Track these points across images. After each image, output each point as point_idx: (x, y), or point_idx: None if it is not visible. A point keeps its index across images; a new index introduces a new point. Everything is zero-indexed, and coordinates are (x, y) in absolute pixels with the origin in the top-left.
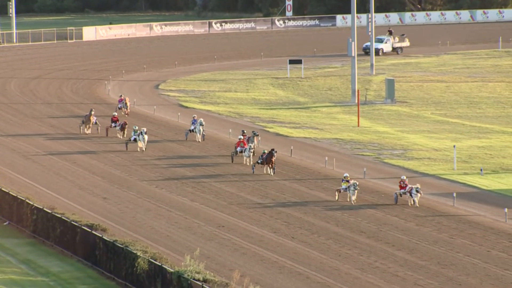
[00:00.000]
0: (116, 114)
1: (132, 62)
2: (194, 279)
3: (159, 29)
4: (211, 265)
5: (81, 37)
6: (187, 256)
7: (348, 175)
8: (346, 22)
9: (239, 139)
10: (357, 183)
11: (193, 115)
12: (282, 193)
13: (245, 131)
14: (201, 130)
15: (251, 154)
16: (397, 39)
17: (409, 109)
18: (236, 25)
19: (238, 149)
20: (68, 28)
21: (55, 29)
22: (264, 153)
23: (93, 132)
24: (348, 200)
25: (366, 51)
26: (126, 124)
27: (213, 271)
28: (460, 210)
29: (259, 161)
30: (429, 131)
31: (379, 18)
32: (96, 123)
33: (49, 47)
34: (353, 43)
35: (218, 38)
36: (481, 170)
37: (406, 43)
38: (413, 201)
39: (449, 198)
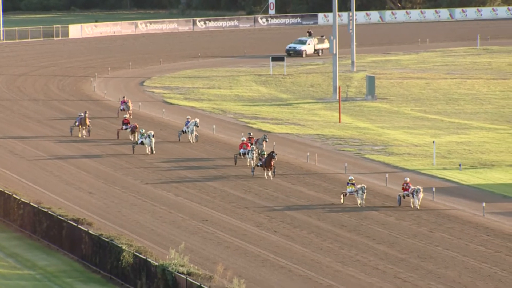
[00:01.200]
0: (127, 116)
1: (118, 59)
2: (178, 272)
3: (144, 27)
4: (195, 258)
5: (67, 35)
6: (171, 249)
7: (353, 178)
8: (328, 20)
9: (242, 140)
10: (365, 186)
11: (187, 116)
12: (264, 188)
13: (251, 134)
14: (194, 130)
15: (254, 156)
16: (316, 40)
17: (389, 106)
18: (219, 23)
19: (241, 151)
20: (54, 26)
21: (41, 26)
22: (263, 155)
23: (84, 135)
24: (359, 204)
25: (289, 53)
26: (137, 127)
27: (197, 264)
28: (439, 205)
29: (259, 164)
30: (409, 127)
31: (360, 17)
32: (89, 125)
33: (36, 44)
34: (334, 40)
35: (202, 36)
36: (459, 165)
37: (326, 44)
38: (416, 202)
39: (428, 193)
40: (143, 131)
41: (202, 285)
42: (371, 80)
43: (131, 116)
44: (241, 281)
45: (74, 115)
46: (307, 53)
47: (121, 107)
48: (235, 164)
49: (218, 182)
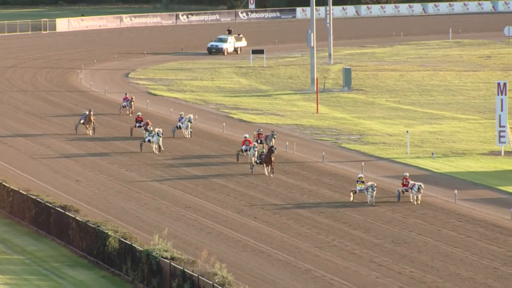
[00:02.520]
0: (140, 114)
1: (103, 52)
2: (162, 257)
3: (128, 20)
4: (178, 243)
5: (54, 28)
6: (155, 235)
7: (362, 176)
8: (306, 14)
9: (245, 137)
10: (375, 185)
11: (180, 113)
12: (245, 175)
13: (261, 130)
14: (189, 126)
15: (256, 153)
16: (234, 38)
17: (365, 97)
18: (201, 17)
19: (243, 147)
20: (42, 19)
21: (29, 20)
22: (262, 152)
23: (84, 132)
24: (368, 202)
25: (211, 51)
26: (149, 124)
27: (180, 249)
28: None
29: (258, 161)
30: (384, 117)
31: (337, 11)
32: (94, 123)
33: (24, 37)
34: (312, 34)
35: (185, 30)
36: (432, 154)
37: (244, 42)
38: (416, 197)
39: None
40: (151, 128)
41: (185, 269)
42: (347, 72)
43: (131, 114)
44: (222, 265)
45: (61, 105)
46: (228, 51)
47: (124, 103)
48: (237, 160)
49: (201, 170)
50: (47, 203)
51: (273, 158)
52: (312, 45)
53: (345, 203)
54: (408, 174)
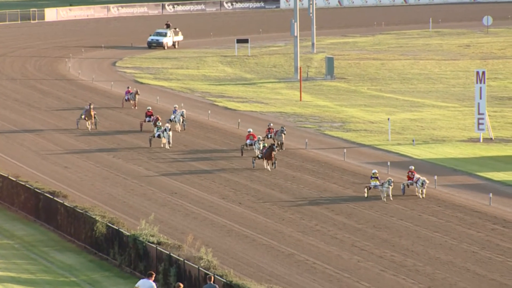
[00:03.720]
0: (150, 108)
1: (91, 41)
2: (149, 241)
3: (116, 10)
4: (165, 228)
5: (43, 18)
6: (142, 220)
7: (376, 171)
8: (289, 4)
9: (248, 131)
10: (392, 180)
11: (175, 105)
12: (230, 162)
13: (271, 124)
14: (181, 120)
15: (261, 146)
16: (173, 32)
17: (347, 85)
18: (187, 7)
19: (248, 141)
20: (31, 9)
21: (18, 10)
22: (264, 146)
23: (83, 127)
24: (382, 198)
25: (152, 45)
26: (159, 119)
27: (167, 234)
28: (394, 178)
29: (260, 156)
30: (366, 105)
31: (320, 1)
32: (95, 117)
33: (13, 27)
34: (295, 24)
35: (171, 19)
36: (413, 141)
37: (180, 37)
38: (421, 191)
39: (383, 167)
40: (160, 124)
41: (172, 254)
42: (330, 61)
43: (135, 108)
44: (208, 250)
45: (49, 93)
46: (168, 45)
47: (126, 97)
48: (242, 155)
49: (187, 157)
50: (36, 189)
51: (274, 153)
52: (295, 34)
53: (327, 189)
54: (413, 168)
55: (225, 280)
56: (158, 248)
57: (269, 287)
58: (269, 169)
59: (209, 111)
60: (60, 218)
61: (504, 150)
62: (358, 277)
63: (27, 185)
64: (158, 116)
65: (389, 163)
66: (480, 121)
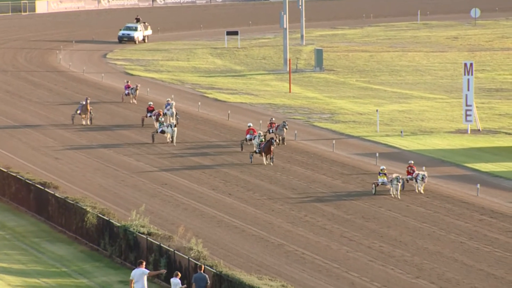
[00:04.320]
0: (151, 103)
1: (82, 33)
2: (139, 232)
3: (106, 2)
4: (155, 219)
5: (34, 10)
6: (132, 211)
7: (384, 168)
8: None
9: (249, 126)
10: (400, 176)
11: (167, 99)
12: (220, 154)
13: (273, 119)
14: (175, 113)
15: (259, 141)
16: (143, 27)
17: (336, 77)
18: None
19: (248, 136)
20: (22, 1)
21: (9, 2)
22: (262, 141)
23: (78, 123)
24: (392, 194)
25: (123, 39)
26: (161, 114)
27: (157, 225)
28: (389, 171)
29: (257, 151)
30: (354, 96)
31: None
32: (91, 112)
33: (4, 19)
34: (285, 16)
35: (161, 11)
36: (401, 132)
37: (149, 31)
38: (421, 185)
39: (372, 158)
40: (162, 119)
41: (162, 245)
42: (319, 53)
43: (135, 102)
44: (198, 240)
45: (40, 85)
46: (139, 40)
47: (126, 91)
48: (242, 150)
49: (177, 148)
50: (27, 180)
51: (272, 148)
52: (284, 26)
53: (316, 180)
54: (412, 162)
55: (215, 271)
56: (148, 238)
57: (259, 277)
58: (268, 164)
59: (199, 103)
60: (51, 209)
61: (492, 141)
62: (347, 267)
63: (18, 176)
64: (160, 111)
65: (377, 154)
66: (468, 112)
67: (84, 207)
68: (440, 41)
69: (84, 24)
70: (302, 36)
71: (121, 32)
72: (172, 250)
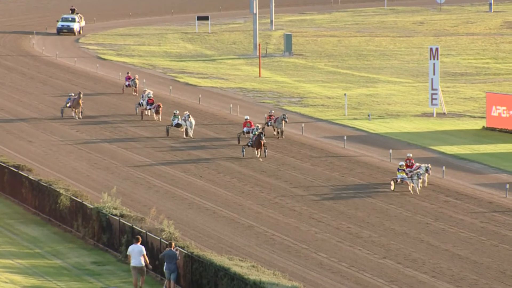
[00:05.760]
0: (151, 96)
1: (54, 18)
2: (112, 214)
3: None
4: (127, 201)
5: None
6: (104, 193)
7: (404, 164)
8: None
9: (246, 119)
10: (421, 172)
11: (144, 89)
12: (191, 137)
13: (272, 111)
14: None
15: (252, 135)
16: (79, 17)
17: (305, 61)
18: None
19: (245, 129)
20: None
21: None
22: (254, 135)
23: (68, 115)
24: (411, 190)
25: (62, 31)
26: (160, 106)
27: (129, 207)
28: (350, 152)
29: (249, 144)
30: (323, 80)
31: None
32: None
33: None
34: (254, 1)
35: None
36: (369, 115)
37: (83, 22)
38: (416, 184)
39: (340, 141)
40: (177, 112)
41: (134, 226)
42: (288, 38)
43: (136, 94)
44: (170, 222)
45: (14, 69)
46: (77, 30)
47: (126, 83)
48: (239, 143)
49: (149, 132)
50: (0, 163)
51: (263, 142)
52: (254, 12)
53: (286, 163)
54: (411, 155)
55: (186, 252)
56: (121, 220)
57: (229, 258)
58: (263, 157)
59: (171, 87)
60: (25, 191)
61: (457, 124)
62: (316, 248)
63: None
64: (160, 103)
65: (345, 137)
66: (434, 96)
67: (57, 190)
68: (407, 26)
69: (56, 9)
70: (271, 21)
71: (60, 24)
72: (144, 231)
